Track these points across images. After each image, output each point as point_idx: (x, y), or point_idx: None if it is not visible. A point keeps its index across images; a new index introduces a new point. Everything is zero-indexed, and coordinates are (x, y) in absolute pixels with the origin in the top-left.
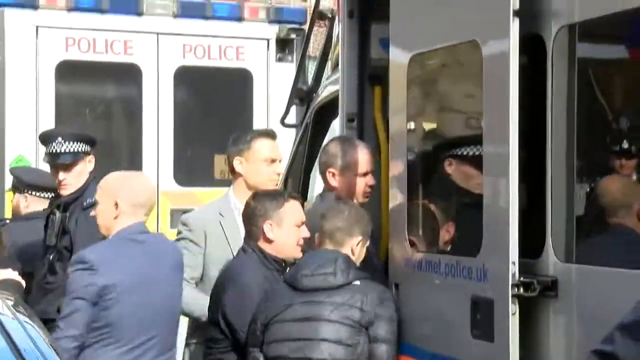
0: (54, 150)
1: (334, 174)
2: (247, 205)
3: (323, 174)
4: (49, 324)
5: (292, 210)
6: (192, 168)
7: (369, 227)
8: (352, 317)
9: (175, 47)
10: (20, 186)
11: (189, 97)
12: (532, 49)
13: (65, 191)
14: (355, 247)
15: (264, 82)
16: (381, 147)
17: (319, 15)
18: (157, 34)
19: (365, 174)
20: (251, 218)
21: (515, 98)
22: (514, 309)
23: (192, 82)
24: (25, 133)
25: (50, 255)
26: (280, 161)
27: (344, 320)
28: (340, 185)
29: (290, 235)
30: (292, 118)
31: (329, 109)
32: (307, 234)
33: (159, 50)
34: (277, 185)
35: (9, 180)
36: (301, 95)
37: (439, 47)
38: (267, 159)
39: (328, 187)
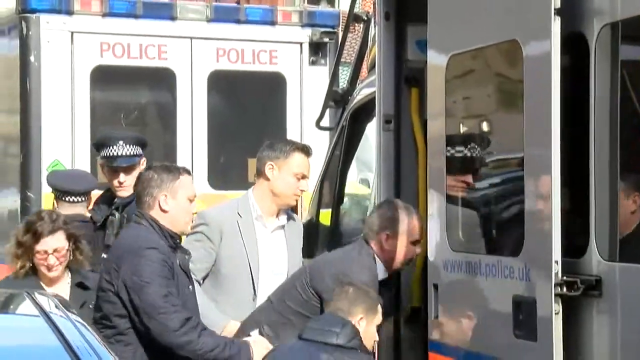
0: (116, 153)
1: (388, 237)
2: (142, 175)
3: (374, 233)
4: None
5: (186, 184)
6: (226, 172)
7: (374, 305)
8: None
9: (209, 52)
10: (54, 192)
11: (222, 101)
12: (574, 49)
13: (125, 192)
14: (357, 325)
15: (297, 85)
16: (419, 149)
17: (354, 18)
18: (191, 38)
19: (415, 242)
20: (147, 188)
21: (557, 98)
22: (557, 308)
23: (225, 86)
24: (61, 138)
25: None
26: (308, 179)
27: None
28: (389, 248)
29: (183, 208)
30: (326, 121)
31: (364, 112)
32: (195, 209)
33: (193, 55)
34: (298, 200)
35: (45, 183)
36: (336, 97)
37: (478, 48)
38: (298, 174)
39: (379, 249)
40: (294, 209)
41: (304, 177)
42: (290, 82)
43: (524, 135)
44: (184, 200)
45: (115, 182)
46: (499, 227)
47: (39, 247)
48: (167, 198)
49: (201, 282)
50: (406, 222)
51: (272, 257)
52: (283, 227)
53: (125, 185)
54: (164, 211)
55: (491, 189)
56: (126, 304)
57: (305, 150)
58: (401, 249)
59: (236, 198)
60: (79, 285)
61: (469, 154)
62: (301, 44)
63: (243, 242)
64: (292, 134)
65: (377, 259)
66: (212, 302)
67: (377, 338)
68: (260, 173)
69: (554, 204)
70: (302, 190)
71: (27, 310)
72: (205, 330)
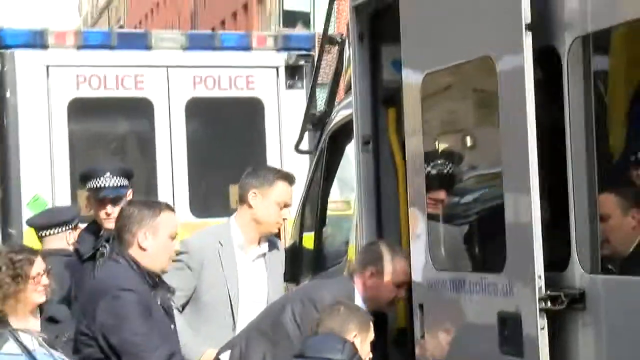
0: (103, 185)
1: (372, 274)
2: (122, 211)
3: (359, 268)
4: None
5: (167, 221)
6: (207, 199)
7: (366, 322)
8: None
9: (186, 80)
10: (36, 232)
11: (201, 128)
12: (547, 62)
13: (112, 224)
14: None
15: (275, 109)
16: (398, 168)
17: (329, 40)
18: (167, 67)
19: (399, 285)
20: (126, 225)
21: (532, 111)
22: (542, 323)
23: (203, 113)
24: (40, 172)
25: None
26: (290, 207)
27: None
28: (372, 286)
29: (163, 246)
30: (305, 144)
31: (343, 133)
32: (177, 247)
33: (170, 83)
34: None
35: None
36: (314, 120)
37: (452, 65)
38: (280, 203)
39: (361, 285)
40: (277, 234)
41: (286, 205)
42: (268, 106)
43: (501, 150)
44: (165, 237)
45: (103, 214)
46: (482, 244)
47: (33, 272)
48: (147, 236)
49: (181, 309)
50: (391, 262)
51: (253, 285)
52: (264, 254)
53: (113, 216)
54: (143, 249)
55: (472, 205)
56: (104, 347)
57: (289, 179)
58: (384, 289)
59: (218, 225)
60: (50, 320)
61: (448, 171)
62: (277, 68)
63: (223, 270)
64: (271, 158)
65: (357, 295)
66: (191, 329)
67: (371, 355)
68: (243, 200)
69: (534, 218)
70: (284, 219)
71: (10, 349)
72: None
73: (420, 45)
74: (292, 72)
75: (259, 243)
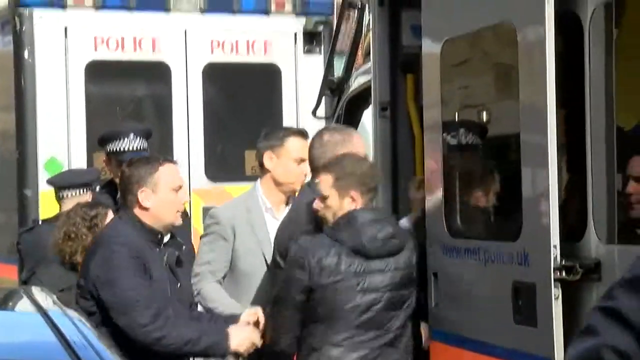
0: (126, 147)
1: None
2: (122, 173)
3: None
4: None
5: (167, 174)
6: (223, 164)
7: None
8: (412, 277)
9: (203, 44)
10: (57, 191)
11: (218, 94)
12: (569, 29)
13: None
14: None
15: (292, 75)
16: (415, 136)
17: (348, 4)
18: (185, 30)
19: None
20: (127, 185)
21: (552, 80)
22: (556, 293)
23: (220, 78)
24: (57, 134)
25: None
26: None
27: (410, 281)
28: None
29: (166, 201)
30: (323, 110)
31: (360, 100)
32: (185, 198)
33: (187, 47)
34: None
35: (42, 181)
36: (332, 86)
37: (472, 31)
38: (297, 159)
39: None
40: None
41: (303, 160)
42: (285, 72)
43: (520, 119)
44: (167, 192)
45: None
46: (497, 212)
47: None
48: (148, 194)
49: (222, 281)
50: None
51: None
52: None
53: None
54: (145, 208)
55: (488, 173)
56: (96, 299)
57: (301, 134)
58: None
59: (244, 193)
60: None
61: (465, 139)
62: (295, 33)
63: (256, 236)
64: (288, 124)
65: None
66: (231, 299)
67: None
68: (261, 164)
69: (551, 188)
70: (305, 174)
71: (24, 307)
72: (180, 321)
73: (440, 10)
74: (310, 37)
75: (286, 204)
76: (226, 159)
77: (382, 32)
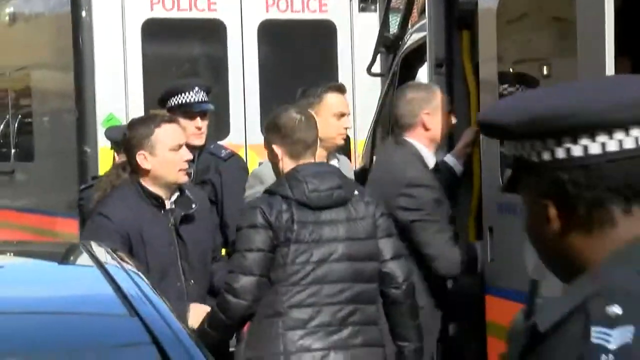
0: (193, 100)
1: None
2: (123, 136)
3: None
4: None
5: (164, 135)
6: None
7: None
8: (365, 229)
9: (258, 1)
10: (113, 146)
11: (273, 52)
12: None
13: (201, 140)
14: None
15: (347, 33)
16: (470, 93)
17: None
18: None
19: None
20: (129, 150)
21: (611, 39)
22: None
23: (276, 36)
24: (114, 92)
25: None
26: (348, 115)
27: (364, 234)
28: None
29: (166, 161)
30: (378, 67)
31: (415, 57)
32: (188, 156)
33: (242, 5)
34: (344, 138)
35: (101, 137)
36: (387, 43)
37: None
38: (336, 113)
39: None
40: (346, 153)
41: (342, 114)
42: (341, 29)
43: (578, 75)
44: (165, 152)
45: (193, 129)
46: None
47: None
48: (146, 156)
49: None
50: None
51: None
52: None
53: (203, 131)
54: (146, 171)
55: None
56: None
57: (338, 88)
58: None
59: None
60: None
61: None
62: None
63: None
64: (343, 82)
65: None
66: None
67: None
68: None
69: None
70: (346, 128)
71: (83, 261)
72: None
73: None
74: None
75: (327, 160)
76: None
77: None
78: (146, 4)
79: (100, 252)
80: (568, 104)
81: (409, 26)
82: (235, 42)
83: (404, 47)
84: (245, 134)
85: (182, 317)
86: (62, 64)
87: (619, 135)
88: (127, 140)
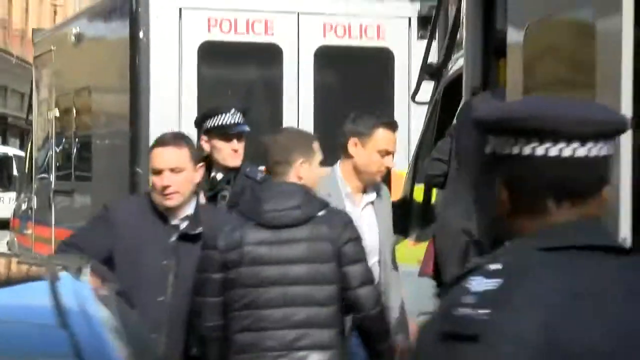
0: (230, 122)
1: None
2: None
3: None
4: None
5: (152, 157)
6: (333, 148)
7: (309, 146)
8: (323, 251)
9: (316, 27)
10: None
11: (329, 77)
12: None
13: (237, 162)
14: (300, 172)
15: (405, 60)
16: None
17: None
18: (298, 13)
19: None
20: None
21: (630, 73)
22: None
23: (332, 61)
24: (169, 114)
25: None
26: (394, 154)
27: (316, 257)
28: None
29: (152, 184)
30: (425, 95)
31: (457, 85)
32: (167, 182)
33: (300, 30)
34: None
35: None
36: (431, 71)
37: (553, 16)
38: (382, 150)
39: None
40: (386, 182)
41: (388, 153)
42: (398, 57)
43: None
44: (150, 174)
45: (229, 151)
46: None
47: None
48: (149, 174)
49: None
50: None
51: (364, 234)
52: (372, 203)
53: (240, 152)
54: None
55: None
56: None
57: (391, 126)
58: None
59: (323, 177)
60: None
61: None
62: (409, 18)
63: None
64: (399, 110)
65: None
66: None
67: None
68: (344, 148)
69: (622, 179)
70: (388, 167)
71: (38, 272)
72: None
73: None
74: (425, 22)
75: (365, 191)
76: (336, 143)
77: (475, 15)
78: (203, 26)
79: (73, 262)
80: (530, 111)
81: (453, 54)
82: (292, 67)
83: (447, 75)
84: None
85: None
86: (120, 85)
87: (561, 144)
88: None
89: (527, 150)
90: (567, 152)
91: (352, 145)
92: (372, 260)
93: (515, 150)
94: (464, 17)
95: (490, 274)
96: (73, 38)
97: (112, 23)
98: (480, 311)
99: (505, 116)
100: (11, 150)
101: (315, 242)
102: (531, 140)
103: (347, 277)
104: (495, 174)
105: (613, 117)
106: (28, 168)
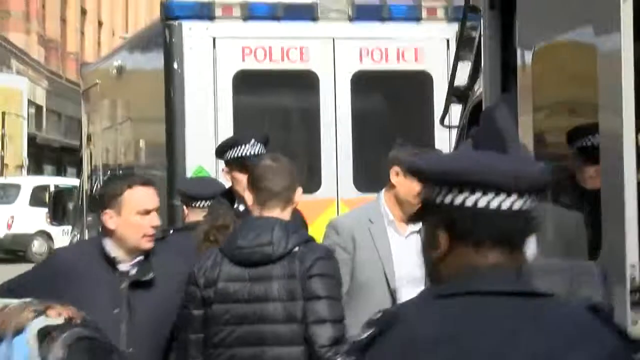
0: (249, 153)
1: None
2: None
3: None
4: None
5: (132, 199)
6: (372, 174)
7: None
8: (295, 289)
9: (352, 52)
10: (182, 199)
11: (366, 103)
12: None
13: None
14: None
15: (444, 83)
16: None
17: (471, 9)
18: (333, 39)
19: None
20: (98, 206)
21: (631, 89)
22: (635, 318)
23: (369, 86)
24: (204, 144)
25: None
26: None
27: (287, 295)
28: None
29: (131, 224)
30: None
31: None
32: (155, 222)
33: (335, 56)
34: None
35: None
36: (457, 93)
37: (559, 40)
38: None
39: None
40: None
41: None
42: (437, 80)
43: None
44: (132, 215)
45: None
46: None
47: None
48: (112, 216)
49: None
50: None
51: (408, 263)
52: (418, 231)
53: None
54: (110, 230)
55: (567, 187)
56: None
57: None
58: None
59: (369, 202)
60: None
61: (554, 152)
62: (447, 40)
63: (376, 248)
64: (439, 134)
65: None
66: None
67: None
68: (388, 176)
69: (628, 200)
70: None
71: None
72: None
73: (532, 14)
74: (463, 44)
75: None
76: (375, 170)
77: (493, 36)
78: (238, 55)
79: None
80: (463, 164)
81: (479, 76)
82: (328, 94)
83: (473, 98)
84: (337, 187)
85: None
86: (157, 116)
87: (477, 194)
88: (98, 196)
89: (456, 200)
90: (482, 202)
91: (394, 174)
92: (418, 289)
93: (447, 199)
94: (482, 39)
95: (368, 324)
96: (115, 71)
97: (149, 54)
98: (348, 358)
99: (439, 170)
100: (68, 181)
101: (288, 280)
102: (453, 191)
103: (306, 312)
104: (430, 220)
105: (536, 171)
106: (80, 201)
